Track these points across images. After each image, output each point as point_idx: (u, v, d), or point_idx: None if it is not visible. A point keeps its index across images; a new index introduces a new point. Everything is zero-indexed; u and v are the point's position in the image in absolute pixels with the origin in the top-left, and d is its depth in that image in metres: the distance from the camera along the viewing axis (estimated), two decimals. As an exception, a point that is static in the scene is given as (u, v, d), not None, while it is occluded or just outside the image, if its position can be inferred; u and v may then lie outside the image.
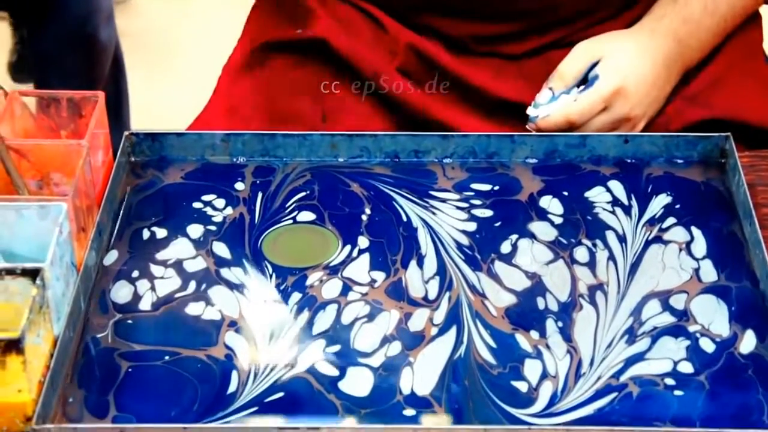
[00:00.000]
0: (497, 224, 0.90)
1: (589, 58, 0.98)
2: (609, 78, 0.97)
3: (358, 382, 0.78)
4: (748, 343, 0.80)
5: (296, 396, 0.77)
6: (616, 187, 0.93)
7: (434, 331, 0.81)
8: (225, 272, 0.86)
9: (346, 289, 0.85)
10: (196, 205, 0.92)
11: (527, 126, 0.99)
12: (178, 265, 0.87)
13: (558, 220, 0.90)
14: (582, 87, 0.98)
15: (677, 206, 0.91)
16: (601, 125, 0.97)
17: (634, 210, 0.91)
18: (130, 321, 0.82)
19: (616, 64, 0.97)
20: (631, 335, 0.81)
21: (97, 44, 1.71)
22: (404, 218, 0.90)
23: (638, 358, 0.79)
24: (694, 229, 0.89)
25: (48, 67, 1.73)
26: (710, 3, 1.00)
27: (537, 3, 1.00)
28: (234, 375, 0.78)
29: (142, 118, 1.93)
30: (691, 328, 0.81)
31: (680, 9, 1.00)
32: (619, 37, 1.00)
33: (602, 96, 0.97)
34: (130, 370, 0.79)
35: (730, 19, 1.02)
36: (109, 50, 1.75)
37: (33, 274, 0.76)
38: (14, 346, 0.72)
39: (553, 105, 0.98)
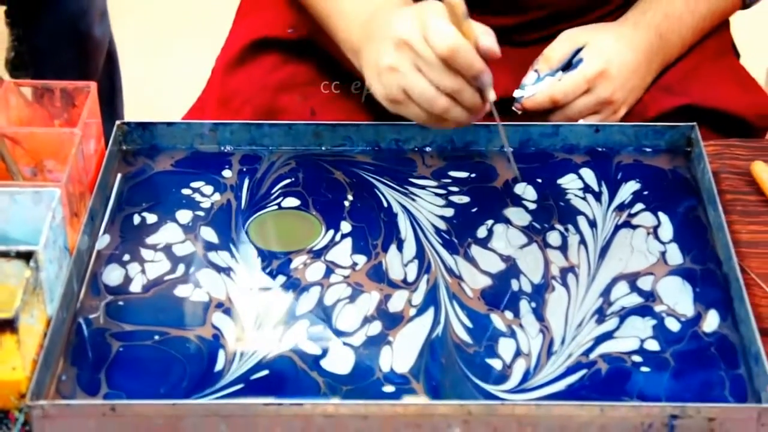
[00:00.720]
0: (474, 210, 0.90)
1: (573, 43, 0.98)
2: (593, 61, 0.97)
3: (339, 361, 0.78)
4: (711, 322, 0.81)
5: (280, 374, 0.78)
6: (588, 174, 0.93)
7: (413, 311, 0.82)
8: (212, 256, 0.86)
9: (328, 271, 0.85)
10: (185, 191, 0.92)
11: (513, 107, 0.99)
12: (167, 249, 0.87)
13: (532, 206, 0.90)
14: (567, 71, 0.98)
15: (645, 193, 0.91)
16: (584, 107, 0.97)
17: (605, 196, 0.91)
18: (121, 302, 0.83)
19: (600, 48, 0.97)
20: (600, 315, 0.81)
21: (91, 41, 1.70)
22: (385, 204, 0.91)
23: (607, 336, 0.80)
24: (661, 214, 0.90)
25: (43, 62, 1.73)
26: (692, 1, 1.01)
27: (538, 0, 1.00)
28: (221, 354, 0.79)
29: (137, 115, 1.92)
30: (658, 308, 0.82)
31: (663, 5, 1.00)
32: (603, 27, 1.00)
33: (586, 77, 0.96)
34: (121, 349, 0.79)
35: (708, 19, 1.02)
36: (103, 46, 1.74)
37: (27, 256, 0.76)
38: (8, 325, 0.72)
39: (538, 85, 0.98)
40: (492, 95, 0.84)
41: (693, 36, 1.02)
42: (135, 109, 1.92)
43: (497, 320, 0.81)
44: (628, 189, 0.92)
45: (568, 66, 0.99)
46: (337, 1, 0.94)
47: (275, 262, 0.86)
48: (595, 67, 0.97)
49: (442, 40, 0.81)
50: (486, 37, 0.82)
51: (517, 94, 0.99)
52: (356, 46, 0.90)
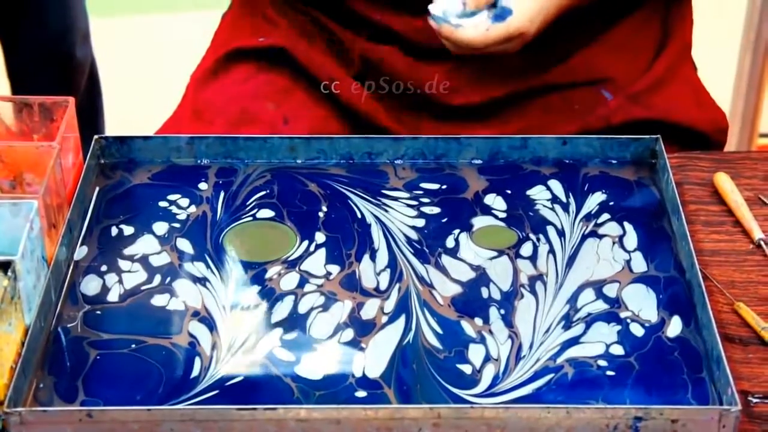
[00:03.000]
0: (444, 220, 0.91)
1: None
2: (520, 19, 0.95)
3: (312, 367, 0.79)
4: (674, 327, 0.82)
5: (255, 380, 0.78)
6: (556, 185, 0.95)
7: (385, 319, 0.83)
8: (188, 266, 0.87)
9: (303, 281, 0.86)
10: (162, 204, 0.93)
11: (429, 20, 0.96)
12: (144, 260, 0.87)
13: (501, 216, 0.92)
14: (493, 13, 0.96)
15: (611, 203, 0.93)
16: (492, 51, 0.97)
17: (572, 207, 0.93)
18: (98, 312, 0.83)
19: (530, 4, 0.96)
20: (567, 321, 0.82)
21: (72, 62, 1.71)
22: (358, 215, 0.92)
23: (574, 341, 0.81)
24: (626, 224, 0.91)
25: (24, 82, 1.73)
26: None
27: None
28: (196, 361, 0.79)
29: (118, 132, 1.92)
30: (623, 314, 0.83)
31: None
32: None
33: (508, 35, 0.96)
34: (98, 357, 0.80)
35: None
36: (84, 68, 1.75)
37: (5, 266, 0.77)
38: (-14, 333, 0.73)
39: (463, 20, 0.96)
40: None
41: None
42: (116, 128, 1.92)
43: (467, 326, 0.82)
44: (594, 200, 0.93)
45: (494, 3, 0.96)
46: None
47: (250, 272, 0.86)
48: (519, 27, 0.95)
49: None
50: None
51: (436, 11, 0.96)
52: None
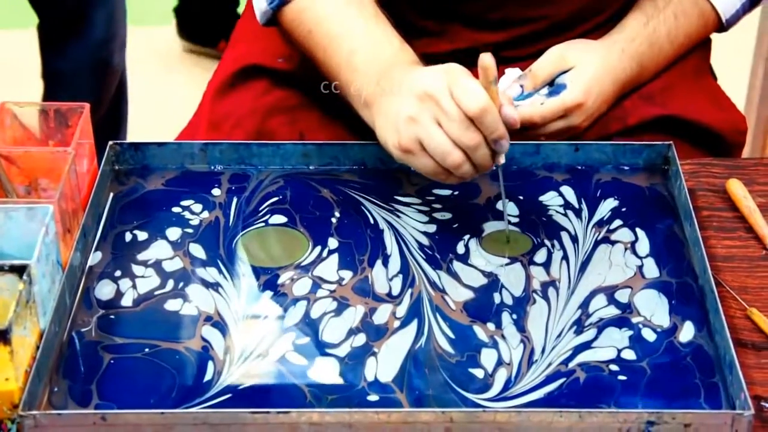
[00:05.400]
0: (455, 226, 0.92)
1: (561, 64, 1.00)
2: (575, 91, 0.99)
3: (325, 371, 0.80)
4: (686, 332, 0.82)
5: (268, 384, 0.79)
6: (568, 191, 0.95)
7: (397, 323, 0.83)
8: (200, 271, 0.88)
9: (315, 286, 0.86)
10: (175, 209, 0.93)
11: None
12: (157, 265, 0.88)
13: (514, 221, 0.92)
14: (548, 89, 1.00)
15: (623, 209, 0.93)
16: (555, 129, 1.00)
17: (584, 213, 0.93)
18: (112, 316, 0.84)
19: (583, 77, 0.99)
20: (579, 326, 0.83)
21: (108, 68, 1.74)
22: (371, 221, 0.93)
23: (585, 346, 0.81)
24: (638, 230, 0.91)
25: (58, 84, 1.76)
26: (672, 31, 1.04)
27: (529, 11, 1.02)
28: (210, 365, 0.80)
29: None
30: (635, 320, 0.83)
31: (649, 34, 1.03)
32: (591, 49, 1.02)
33: (565, 107, 0.99)
34: (112, 361, 0.80)
35: (685, 47, 1.06)
36: (117, 75, 1.78)
37: (20, 270, 0.78)
38: (1, 336, 0.74)
39: (520, 102, 0.99)
40: (503, 160, 0.87)
41: (667, 62, 1.06)
42: (138, 134, 1.94)
43: (479, 331, 0.82)
44: (607, 206, 0.94)
45: (551, 83, 1.01)
46: (347, 55, 0.95)
47: (263, 278, 0.87)
48: (575, 99, 0.99)
49: (473, 99, 0.84)
50: (509, 107, 0.86)
51: None
52: (369, 100, 0.92)
